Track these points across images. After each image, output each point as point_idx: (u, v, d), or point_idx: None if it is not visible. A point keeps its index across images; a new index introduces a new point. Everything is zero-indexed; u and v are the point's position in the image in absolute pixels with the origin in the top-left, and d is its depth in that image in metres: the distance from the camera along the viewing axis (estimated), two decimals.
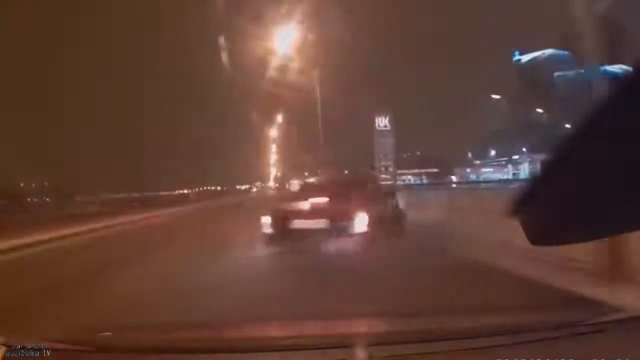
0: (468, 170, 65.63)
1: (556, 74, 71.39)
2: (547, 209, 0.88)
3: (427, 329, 1.97)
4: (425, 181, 53.71)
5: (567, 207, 0.84)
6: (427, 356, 1.64)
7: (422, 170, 62.76)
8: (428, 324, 2.14)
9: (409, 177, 60.08)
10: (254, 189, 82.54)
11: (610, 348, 1.59)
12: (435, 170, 60.30)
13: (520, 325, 1.91)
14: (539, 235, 0.95)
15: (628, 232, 0.86)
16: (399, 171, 53.93)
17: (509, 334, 1.77)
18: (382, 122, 38.50)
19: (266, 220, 8.08)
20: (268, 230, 8.01)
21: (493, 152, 68.95)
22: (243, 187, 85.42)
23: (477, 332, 1.84)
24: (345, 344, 1.72)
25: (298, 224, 7.63)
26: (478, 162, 69.32)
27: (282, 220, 7.89)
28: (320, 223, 7.38)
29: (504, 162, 66.48)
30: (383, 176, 34.69)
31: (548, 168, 0.86)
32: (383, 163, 38.06)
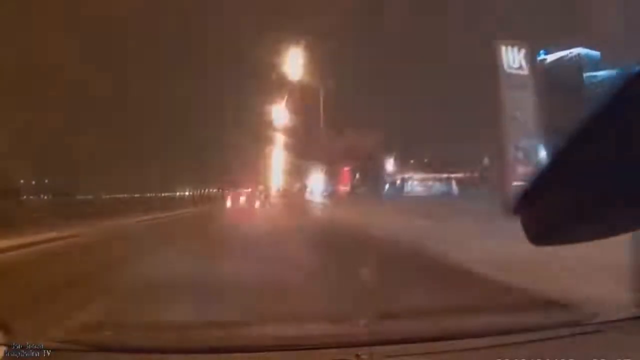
0: None
1: (585, 74, 68.55)
2: (547, 209, 0.88)
3: (427, 329, 1.97)
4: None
5: (567, 207, 0.84)
6: (428, 356, 1.64)
7: (451, 175, 36.90)
8: (428, 324, 2.14)
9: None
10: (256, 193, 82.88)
11: (610, 348, 1.59)
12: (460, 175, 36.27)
13: (520, 325, 1.91)
14: (540, 235, 0.94)
15: (628, 232, 0.86)
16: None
17: (509, 334, 1.77)
18: (513, 59, 14.65)
19: None
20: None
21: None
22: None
23: (477, 332, 1.84)
24: (345, 344, 1.72)
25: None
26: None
27: None
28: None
29: None
30: (521, 170, 14.09)
31: (549, 168, 0.86)
32: (522, 145, 14.44)
